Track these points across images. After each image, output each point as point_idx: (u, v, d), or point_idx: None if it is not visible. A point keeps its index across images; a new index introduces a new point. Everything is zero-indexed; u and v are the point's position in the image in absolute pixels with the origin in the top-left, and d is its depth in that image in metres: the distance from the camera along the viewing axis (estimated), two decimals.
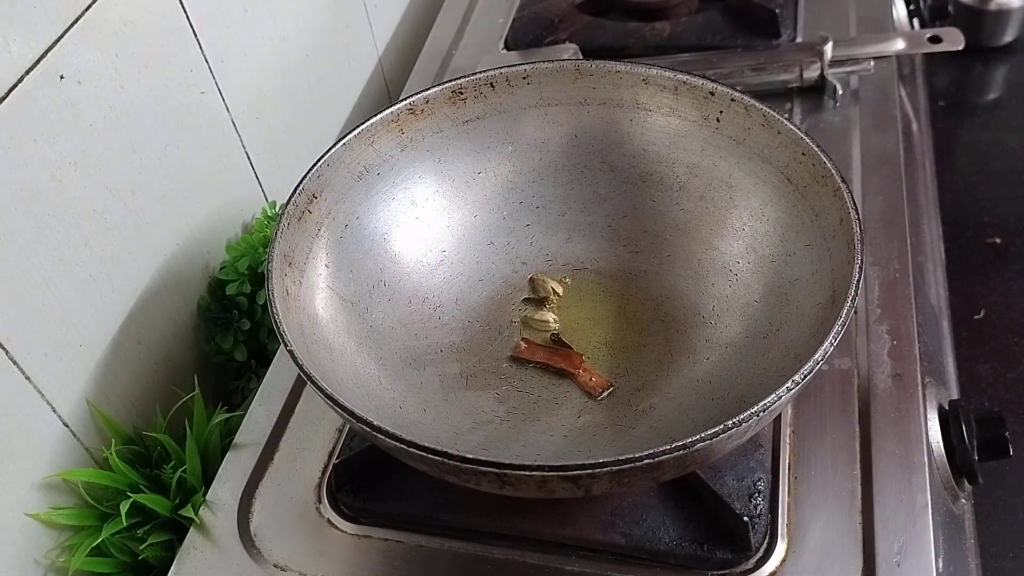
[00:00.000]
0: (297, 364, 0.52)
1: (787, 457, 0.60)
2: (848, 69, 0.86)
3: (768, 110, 0.61)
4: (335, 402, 0.50)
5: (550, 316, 0.67)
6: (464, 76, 0.68)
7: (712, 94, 0.64)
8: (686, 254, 0.67)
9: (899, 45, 0.87)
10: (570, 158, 0.70)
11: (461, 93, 0.68)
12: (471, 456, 0.47)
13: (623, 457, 0.46)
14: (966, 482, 0.62)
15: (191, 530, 0.62)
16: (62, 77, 0.59)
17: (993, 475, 0.62)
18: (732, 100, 0.63)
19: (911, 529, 0.55)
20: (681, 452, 0.46)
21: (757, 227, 0.64)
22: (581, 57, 0.89)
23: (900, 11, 0.98)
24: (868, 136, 0.81)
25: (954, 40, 0.85)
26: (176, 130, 0.71)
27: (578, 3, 0.99)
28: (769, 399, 0.47)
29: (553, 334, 0.66)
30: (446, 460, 0.47)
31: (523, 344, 0.66)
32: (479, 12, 1.07)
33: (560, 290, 0.69)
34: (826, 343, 0.49)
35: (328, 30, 0.93)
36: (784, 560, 0.55)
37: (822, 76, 0.84)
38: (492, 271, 0.70)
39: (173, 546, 0.63)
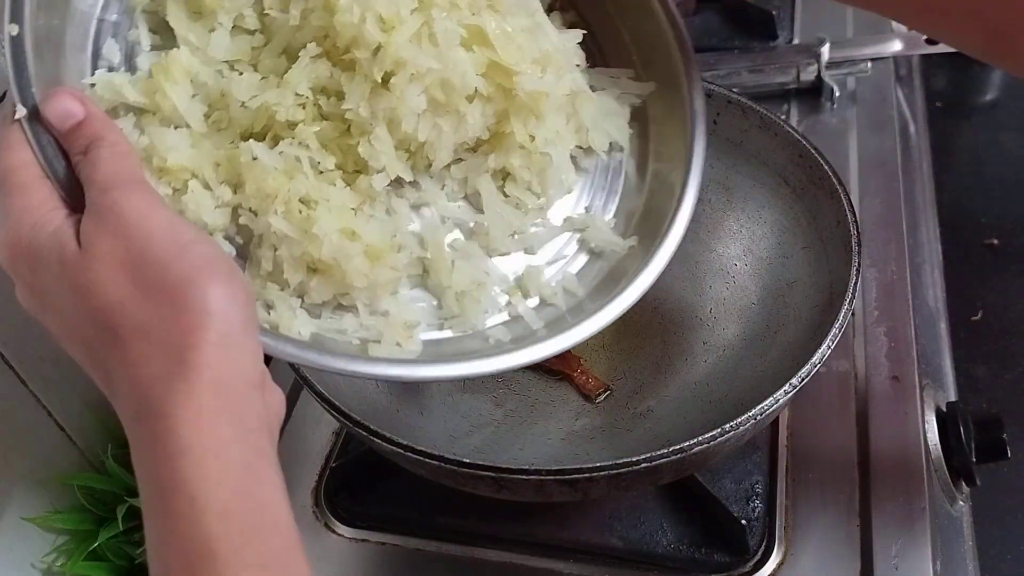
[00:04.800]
0: (293, 368, 0.52)
1: (785, 460, 0.60)
2: (845, 71, 0.86)
3: (765, 112, 0.61)
4: (332, 406, 0.50)
5: None
6: None
7: (709, 96, 0.63)
8: (683, 256, 0.66)
9: (896, 46, 0.87)
10: None
11: None
12: (468, 460, 0.47)
13: (620, 461, 0.46)
14: (964, 484, 0.62)
15: None
16: None
17: (991, 477, 0.62)
18: (729, 102, 0.63)
19: (909, 531, 0.55)
20: (679, 456, 0.46)
21: (754, 229, 0.64)
22: None
23: None
24: (865, 138, 0.81)
25: None
26: None
27: None
28: (767, 402, 0.47)
29: None
30: (443, 464, 0.47)
31: None
32: None
33: None
34: (824, 345, 0.49)
35: None
36: (782, 563, 0.55)
37: (819, 77, 0.84)
38: None
39: None
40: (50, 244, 0.35)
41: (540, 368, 0.64)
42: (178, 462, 0.32)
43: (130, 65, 0.44)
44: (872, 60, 0.86)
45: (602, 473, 0.46)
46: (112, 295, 0.34)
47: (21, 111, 0.37)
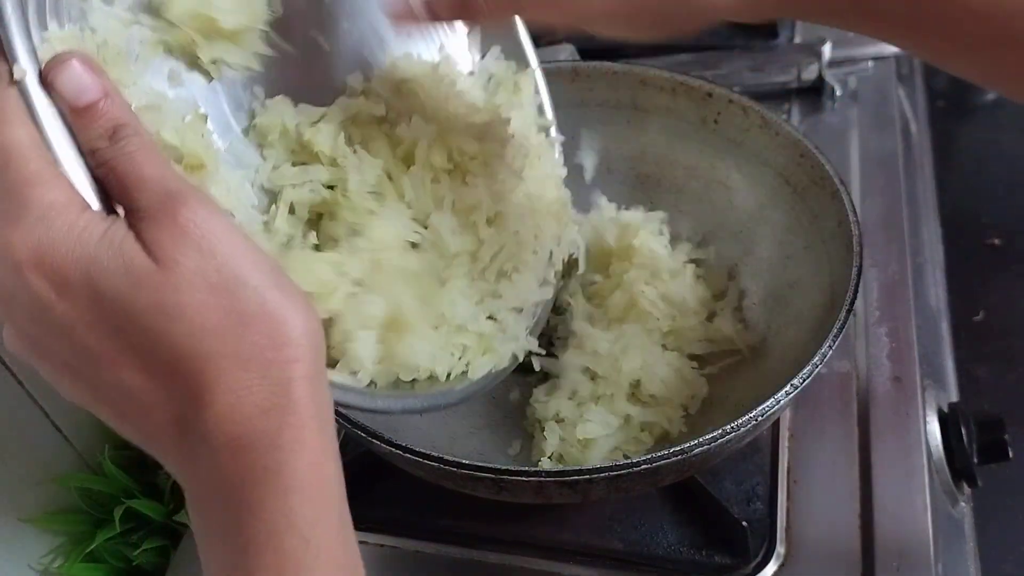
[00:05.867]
0: None
1: (786, 461, 0.60)
2: (847, 70, 0.86)
3: (766, 111, 0.61)
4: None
5: None
6: None
7: (710, 95, 0.63)
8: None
9: None
10: (567, 160, 0.70)
11: None
12: (467, 462, 0.47)
13: (620, 462, 0.45)
14: (965, 485, 0.62)
15: (186, 536, 0.62)
16: None
17: (992, 478, 0.62)
18: (730, 101, 0.62)
19: (910, 533, 0.55)
20: (679, 457, 0.45)
21: (755, 229, 0.63)
22: (578, 58, 0.89)
23: None
24: (867, 137, 0.81)
25: None
26: None
27: None
28: (768, 403, 0.46)
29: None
30: (442, 466, 0.47)
31: None
32: None
33: None
34: (825, 346, 0.48)
35: None
36: (783, 565, 0.55)
37: (820, 77, 0.84)
38: None
39: (167, 552, 0.63)
40: (108, 254, 0.30)
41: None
42: (291, 499, 0.30)
43: (72, 19, 0.36)
44: (873, 59, 0.86)
45: (602, 475, 0.45)
46: (208, 320, 0.30)
47: (21, 72, 0.30)
